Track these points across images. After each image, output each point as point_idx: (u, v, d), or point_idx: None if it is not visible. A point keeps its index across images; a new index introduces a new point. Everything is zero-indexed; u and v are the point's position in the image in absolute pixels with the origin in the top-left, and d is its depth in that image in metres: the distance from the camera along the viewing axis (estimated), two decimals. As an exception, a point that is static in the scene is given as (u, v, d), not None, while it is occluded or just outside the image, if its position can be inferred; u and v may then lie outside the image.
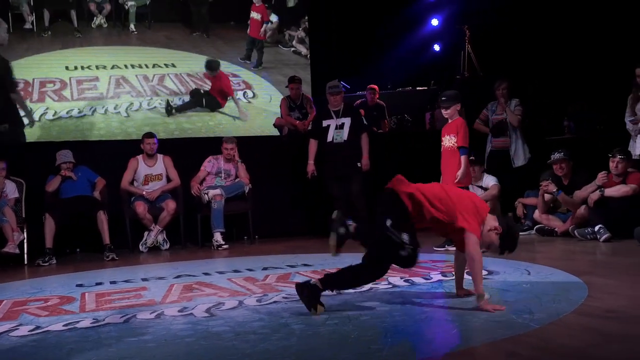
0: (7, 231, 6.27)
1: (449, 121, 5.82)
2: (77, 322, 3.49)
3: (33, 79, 9.57)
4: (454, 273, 3.81)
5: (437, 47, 11.68)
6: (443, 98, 5.84)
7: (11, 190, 6.64)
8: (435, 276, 4.37)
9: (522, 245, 5.82)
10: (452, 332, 2.99)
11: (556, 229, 6.37)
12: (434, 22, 11.56)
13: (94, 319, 3.55)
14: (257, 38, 10.61)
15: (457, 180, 5.58)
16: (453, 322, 3.15)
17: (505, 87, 7.37)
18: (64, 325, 3.41)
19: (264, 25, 10.63)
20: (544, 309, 3.24)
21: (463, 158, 5.66)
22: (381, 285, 4.11)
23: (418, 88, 10.27)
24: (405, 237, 3.31)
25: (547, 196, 6.44)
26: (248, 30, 10.61)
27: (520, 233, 6.60)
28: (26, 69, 9.59)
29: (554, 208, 6.57)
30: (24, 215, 6.75)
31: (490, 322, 3.06)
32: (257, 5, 10.52)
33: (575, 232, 6.09)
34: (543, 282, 3.94)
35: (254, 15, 10.57)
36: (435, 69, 10.87)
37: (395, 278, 4.33)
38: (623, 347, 2.57)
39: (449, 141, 5.74)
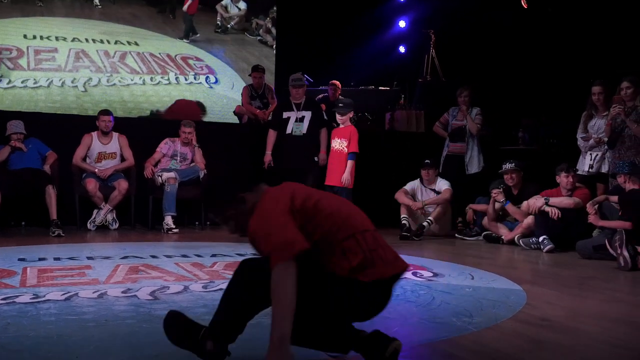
0: (-50, 199, 6.08)
1: (341, 126, 6.44)
2: (17, 296, 3.43)
3: (-12, 45, 9.28)
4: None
5: (402, 49, 11.80)
6: (340, 104, 6.59)
7: (-44, 157, 6.45)
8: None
9: (468, 251, 6.04)
10: (393, 330, 3.04)
11: (502, 237, 6.54)
12: (401, 23, 11.66)
13: (34, 294, 3.49)
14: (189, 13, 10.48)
15: (344, 183, 6.31)
16: (394, 321, 3.21)
17: (467, 95, 7.50)
18: (2, 299, 3.35)
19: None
20: (483, 313, 3.33)
21: (352, 163, 6.32)
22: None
23: (380, 88, 10.34)
24: None
25: (496, 204, 6.60)
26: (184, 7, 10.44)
27: (468, 238, 6.86)
28: (-19, 33, 9.29)
29: (502, 216, 6.73)
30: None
31: (429, 323, 3.14)
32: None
33: (521, 241, 6.26)
34: (485, 288, 4.04)
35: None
36: (398, 70, 10.96)
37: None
38: (554, 356, 2.67)
39: (339, 144, 6.34)
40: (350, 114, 6.40)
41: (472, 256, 5.64)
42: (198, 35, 10.47)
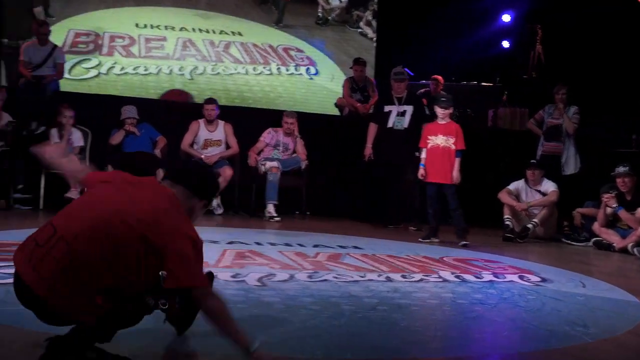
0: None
1: (441, 122, 6.15)
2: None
3: (104, 33, 9.76)
4: None
5: (506, 44, 11.43)
6: (443, 98, 6.28)
7: (77, 138, 6.82)
8: (487, 276, 4.34)
9: (576, 257, 5.81)
10: (503, 334, 2.98)
11: (614, 244, 6.21)
12: (506, 17, 11.29)
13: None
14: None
15: (455, 181, 5.98)
16: (503, 325, 3.14)
17: (565, 93, 7.20)
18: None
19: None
20: (598, 324, 3.20)
21: (459, 160, 6.03)
22: (432, 278, 4.11)
23: (483, 83, 10.09)
24: None
25: (608, 209, 6.29)
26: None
27: (577, 244, 6.59)
28: (98, 22, 9.77)
29: (613, 222, 6.41)
30: (87, 164, 6.93)
31: (542, 329, 3.04)
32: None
33: (635, 250, 5.93)
34: (598, 297, 3.87)
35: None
36: (501, 65, 10.65)
37: (446, 273, 4.32)
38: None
39: (445, 141, 6.06)
40: (451, 110, 6.24)
41: (581, 263, 5.42)
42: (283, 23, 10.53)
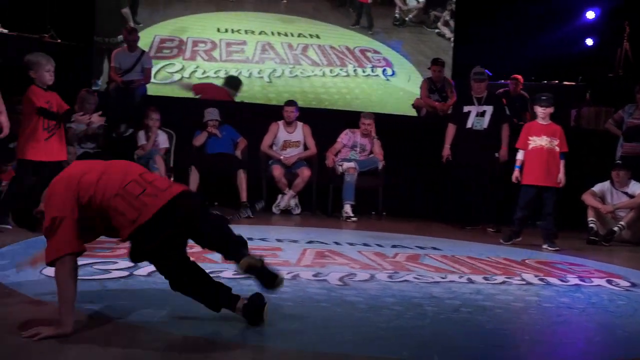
0: (156, 178, 6.67)
1: (540, 121, 5.86)
2: (220, 271, 3.67)
3: (187, 38, 10.06)
4: None
5: (589, 42, 11.01)
6: (543, 97, 5.92)
7: (162, 140, 7.05)
8: (572, 279, 4.19)
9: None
10: (595, 340, 2.87)
11: None
12: (590, 14, 10.87)
13: (235, 271, 3.71)
14: (363, 2, 10.46)
15: (561, 184, 5.73)
16: (594, 331, 3.02)
17: None
18: (210, 272, 3.60)
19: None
20: (698, 332, 3.02)
21: (564, 163, 5.76)
22: (514, 281, 4.01)
23: (565, 82, 9.76)
24: None
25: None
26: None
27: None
28: (182, 27, 10.09)
29: None
30: (172, 165, 7.15)
31: (635, 337, 2.90)
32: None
33: None
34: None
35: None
36: (585, 64, 10.26)
37: (529, 275, 4.20)
38: None
39: (548, 143, 5.76)
40: (552, 109, 5.85)
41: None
42: (366, 25, 10.51)
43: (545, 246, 5.68)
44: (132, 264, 3.65)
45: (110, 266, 3.62)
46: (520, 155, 5.86)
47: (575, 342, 2.86)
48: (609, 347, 2.76)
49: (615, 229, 6.30)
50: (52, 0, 9.14)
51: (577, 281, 4.14)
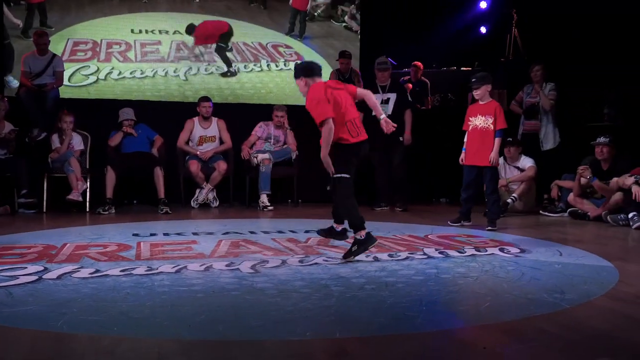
0: (72, 180, 6.41)
1: (479, 102, 5.64)
2: (133, 268, 3.56)
3: (101, 40, 9.66)
4: None
5: (483, 29, 11.35)
6: (473, 79, 5.69)
7: (77, 142, 6.78)
8: (469, 250, 4.31)
9: (553, 227, 5.78)
10: (485, 305, 2.94)
11: (589, 213, 6.20)
12: (482, 4, 11.21)
13: (148, 267, 3.61)
14: (301, 10, 10.45)
15: (492, 163, 5.46)
16: (485, 296, 3.10)
17: (540, 69, 7.14)
18: (121, 271, 3.49)
19: (310, -1, 10.39)
20: (574, 290, 3.16)
21: (499, 140, 5.50)
22: (417, 256, 4.08)
23: (462, 68, 10.02)
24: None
25: (582, 180, 6.26)
26: (290, 1, 10.44)
27: (553, 215, 6.56)
28: (95, 30, 9.68)
29: (590, 193, 6.38)
30: (87, 166, 6.89)
31: (522, 298, 3.01)
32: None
33: (608, 217, 5.91)
34: (574, 264, 3.84)
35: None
36: (480, 50, 10.57)
37: (430, 249, 4.29)
38: (653, 334, 2.49)
39: (483, 122, 5.53)
40: (488, 87, 5.55)
41: (558, 232, 5.39)
42: (306, 34, 10.46)
43: (487, 228, 5.48)
44: (41, 268, 3.49)
45: (19, 272, 3.43)
46: (466, 137, 5.70)
47: (468, 309, 2.93)
48: (498, 311, 2.84)
49: (509, 201, 6.55)
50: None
51: (473, 251, 4.26)
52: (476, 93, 5.62)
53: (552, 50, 8.97)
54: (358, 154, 3.94)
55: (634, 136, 7.09)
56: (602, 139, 6.26)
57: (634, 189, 5.58)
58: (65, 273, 3.41)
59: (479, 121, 5.58)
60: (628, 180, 5.70)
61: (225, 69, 9.74)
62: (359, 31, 10.74)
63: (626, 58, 8.54)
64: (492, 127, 5.50)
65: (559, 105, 7.28)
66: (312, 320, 2.67)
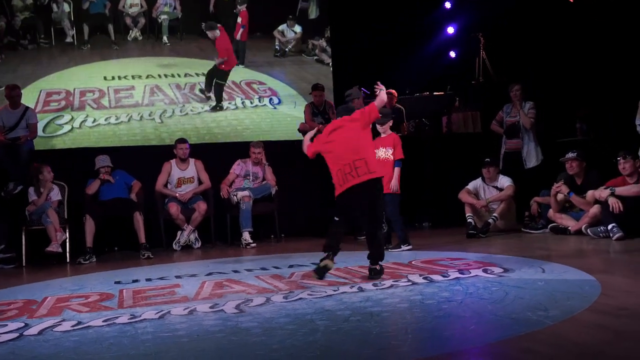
0: (51, 231, 6.36)
1: (382, 135, 6.04)
2: (116, 317, 3.51)
3: (74, 89, 9.69)
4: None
5: (452, 54, 11.59)
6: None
7: (54, 193, 6.74)
8: (453, 274, 4.33)
9: (536, 244, 5.83)
10: (470, 329, 2.95)
11: (569, 228, 6.27)
12: (450, 30, 11.47)
13: (131, 315, 3.57)
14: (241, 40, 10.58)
15: (393, 191, 5.82)
16: (470, 319, 3.11)
17: (519, 89, 7.28)
18: (103, 321, 3.44)
19: (241, 28, 10.50)
20: (558, 306, 3.18)
21: (398, 170, 5.92)
22: (401, 283, 4.09)
23: (435, 93, 10.18)
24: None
25: (559, 196, 6.35)
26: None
27: (535, 232, 6.63)
28: (68, 79, 9.71)
29: (569, 208, 6.46)
30: (66, 217, 6.84)
31: (506, 318, 3.02)
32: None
33: (588, 230, 5.98)
34: (557, 280, 3.87)
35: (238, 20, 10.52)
36: (451, 74, 10.77)
37: (414, 276, 4.30)
38: (637, 345, 2.51)
39: (384, 153, 5.95)
40: (390, 123, 6.05)
41: (541, 249, 5.44)
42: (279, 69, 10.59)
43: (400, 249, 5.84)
44: (22, 325, 3.44)
45: (-2, 330, 3.37)
46: None
47: (454, 333, 2.93)
48: (483, 333, 2.85)
49: (490, 220, 6.61)
50: None
51: (457, 275, 4.28)
52: (381, 128, 6.03)
53: (521, 69, 9.16)
54: (341, 203, 4.50)
55: (605, 149, 7.22)
56: (570, 155, 6.38)
57: (611, 200, 5.67)
58: (46, 328, 3.36)
59: (381, 152, 5.98)
60: (604, 192, 5.79)
61: (215, 104, 9.85)
62: (330, 63, 10.90)
63: (594, 75, 8.76)
64: (391, 157, 5.94)
65: (538, 123, 7.41)
66: (297, 357, 2.66)
